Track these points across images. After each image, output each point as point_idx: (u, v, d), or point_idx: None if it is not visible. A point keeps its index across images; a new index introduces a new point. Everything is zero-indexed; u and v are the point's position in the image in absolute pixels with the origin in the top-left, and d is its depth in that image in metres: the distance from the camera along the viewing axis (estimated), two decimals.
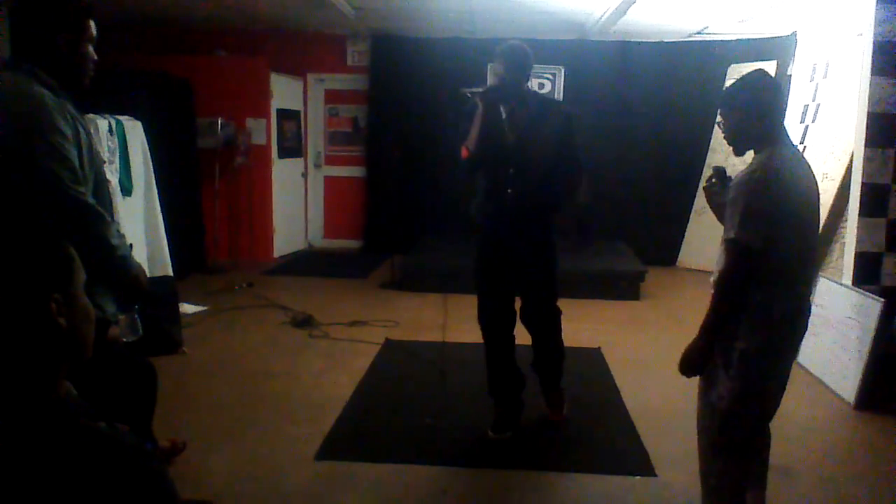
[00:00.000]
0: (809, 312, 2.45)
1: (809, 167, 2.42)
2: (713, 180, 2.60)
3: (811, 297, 4.45)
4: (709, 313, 2.31)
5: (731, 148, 2.45)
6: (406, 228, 8.07)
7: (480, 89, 3.30)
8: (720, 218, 2.48)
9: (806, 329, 2.44)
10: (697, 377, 2.47)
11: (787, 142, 2.37)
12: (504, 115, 3.34)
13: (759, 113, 2.32)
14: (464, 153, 3.35)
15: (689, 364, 2.37)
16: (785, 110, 2.58)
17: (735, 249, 2.24)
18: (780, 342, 2.34)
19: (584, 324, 5.48)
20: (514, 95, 3.33)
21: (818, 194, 2.41)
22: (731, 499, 2.42)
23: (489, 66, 8.08)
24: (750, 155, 2.40)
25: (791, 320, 2.33)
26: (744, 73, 2.50)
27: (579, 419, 3.86)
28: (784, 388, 2.47)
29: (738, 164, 2.72)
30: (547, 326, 3.68)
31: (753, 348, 2.29)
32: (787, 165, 2.27)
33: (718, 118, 2.43)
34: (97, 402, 1.53)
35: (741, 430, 2.38)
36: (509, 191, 3.39)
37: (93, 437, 1.03)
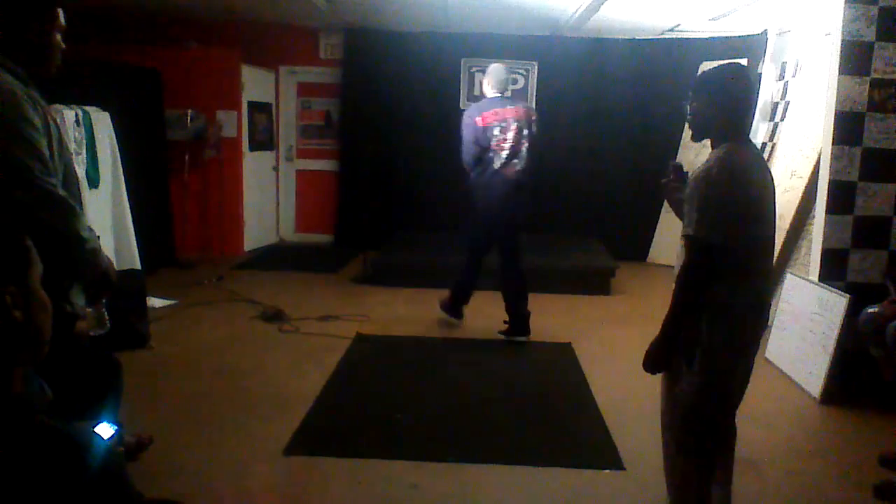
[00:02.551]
0: (769, 306, 2.47)
1: (765, 164, 2.46)
2: (670, 176, 2.62)
3: (773, 293, 4.51)
4: (670, 309, 2.32)
5: (700, 144, 2.47)
6: (378, 223, 8.04)
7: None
8: (678, 213, 2.49)
9: (766, 323, 2.46)
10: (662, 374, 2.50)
11: (746, 139, 2.40)
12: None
13: (724, 105, 2.34)
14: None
15: (652, 360, 2.38)
16: (753, 108, 2.59)
17: (694, 245, 2.26)
18: (742, 336, 2.36)
19: (554, 318, 5.51)
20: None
21: (773, 191, 2.43)
22: (696, 496, 2.44)
23: (462, 62, 8.16)
24: (706, 144, 2.42)
25: (751, 314, 2.35)
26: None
27: (549, 413, 3.88)
28: (747, 382, 2.49)
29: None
30: (508, 255, 4.93)
31: (716, 343, 2.31)
32: (742, 162, 2.29)
33: (688, 102, 2.45)
34: (61, 397, 1.50)
35: (704, 425, 2.39)
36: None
37: (47, 433, 1.00)
